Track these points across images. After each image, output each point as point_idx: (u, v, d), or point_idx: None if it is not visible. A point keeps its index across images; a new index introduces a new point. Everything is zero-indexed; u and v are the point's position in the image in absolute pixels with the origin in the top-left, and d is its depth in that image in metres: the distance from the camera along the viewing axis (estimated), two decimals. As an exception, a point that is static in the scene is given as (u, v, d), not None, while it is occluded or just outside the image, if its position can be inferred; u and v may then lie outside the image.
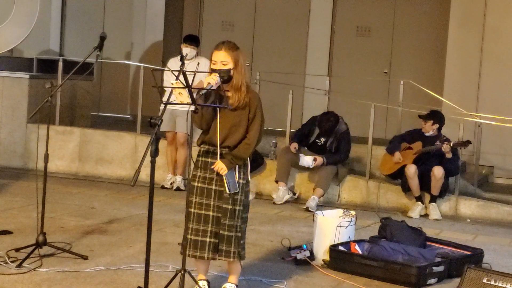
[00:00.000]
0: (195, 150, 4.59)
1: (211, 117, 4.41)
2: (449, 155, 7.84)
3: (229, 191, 4.38)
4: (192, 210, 4.45)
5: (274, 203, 8.18)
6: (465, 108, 8.90)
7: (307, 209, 7.82)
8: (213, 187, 4.43)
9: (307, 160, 8.04)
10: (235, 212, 4.41)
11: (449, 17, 10.28)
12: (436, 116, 8.15)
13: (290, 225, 7.15)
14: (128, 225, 6.64)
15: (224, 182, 4.37)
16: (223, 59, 4.39)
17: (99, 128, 9.84)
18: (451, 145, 7.83)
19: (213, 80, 4.31)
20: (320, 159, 8.07)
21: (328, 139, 8.21)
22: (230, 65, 4.38)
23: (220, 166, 4.36)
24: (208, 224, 4.42)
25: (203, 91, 4.30)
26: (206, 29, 12.62)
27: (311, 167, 8.08)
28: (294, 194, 8.38)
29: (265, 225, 7.02)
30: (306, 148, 8.31)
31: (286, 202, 8.20)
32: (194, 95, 4.29)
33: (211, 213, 4.42)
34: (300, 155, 8.06)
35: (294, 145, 8.17)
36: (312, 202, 7.94)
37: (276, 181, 8.26)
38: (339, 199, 8.50)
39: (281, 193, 8.18)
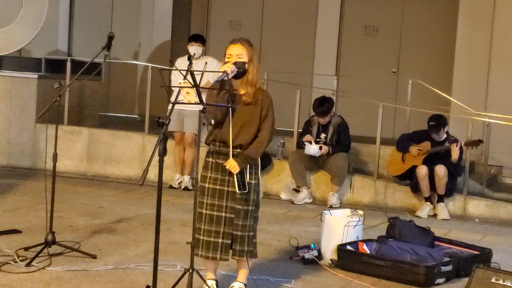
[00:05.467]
0: (203, 150, 4.58)
1: (225, 108, 4.41)
2: (456, 155, 7.79)
3: (239, 190, 4.38)
4: (204, 211, 4.45)
5: (292, 202, 8.30)
6: (473, 107, 8.87)
7: (331, 207, 7.97)
8: (225, 188, 4.44)
9: (313, 148, 8.14)
10: (248, 212, 4.44)
11: (458, 16, 10.25)
12: (444, 122, 8.07)
13: (297, 224, 7.15)
14: (137, 225, 6.66)
15: (235, 181, 4.38)
16: (238, 52, 4.42)
17: (107, 128, 9.86)
18: (462, 144, 7.81)
19: (229, 69, 4.32)
20: (325, 148, 8.20)
21: (327, 135, 8.32)
22: (245, 59, 4.41)
23: (232, 164, 4.35)
24: (221, 225, 4.43)
25: (219, 79, 4.30)
26: (213, 29, 12.63)
27: (317, 155, 8.20)
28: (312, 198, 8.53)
29: (273, 225, 7.02)
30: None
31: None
32: (203, 95, 4.29)
33: (223, 214, 4.44)
34: (306, 143, 8.16)
35: (309, 138, 8.24)
36: (333, 199, 8.22)
37: (298, 187, 8.40)
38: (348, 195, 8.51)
39: (303, 196, 8.35)
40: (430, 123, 8.03)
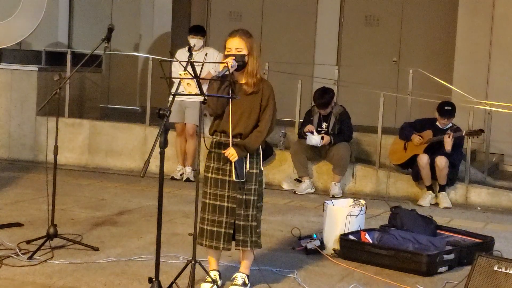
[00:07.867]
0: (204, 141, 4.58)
1: (225, 101, 4.43)
2: (448, 146, 7.76)
3: (236, 179, 4.41)
4: (207, 201, 4.51)
5: (295, 192, 8.31)
6: (474, 96, 8.86)
7: (333, 197, 7.96)
8: (227, 178, 4.47)
9: (315, 138, 8.14)
10: (250, 202, 4.47)
11: (458, 4, 10.22)
12: (455, 112, 8.07)
13: (300, 214, 7.16)
14: (139, 217, 6.66)
15: (232, 168, 4.40)
16: (237, 45, 4.43)
17: (108, 120, 9.86)
18: (464, 134, 7.81)
19: (229, 63, 4.33)
20: (327, 138, 8.20)
21: (329, 124, 8.32)
22: (244, 52, 4.43)
23: (231, 152, 4.40)
24: (223, 214, 4.48)
25: (220, 74, 4.32)
26: (214, 20, 12.60)
27: (318, 145, 8.19)
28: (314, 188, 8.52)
29: (275, 215, 7.02)
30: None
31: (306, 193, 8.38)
32: (204, 86, 4.30)
33: (225, 204, 4.48)
34: (308, 133, 8.17)
35: (311, 128, 8.23)
36: (335, 189, 8.21)
37: (300, 177, 8.40)
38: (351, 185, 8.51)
39: (305, 186, 8.35)
40: (446, 107, 8.00)
